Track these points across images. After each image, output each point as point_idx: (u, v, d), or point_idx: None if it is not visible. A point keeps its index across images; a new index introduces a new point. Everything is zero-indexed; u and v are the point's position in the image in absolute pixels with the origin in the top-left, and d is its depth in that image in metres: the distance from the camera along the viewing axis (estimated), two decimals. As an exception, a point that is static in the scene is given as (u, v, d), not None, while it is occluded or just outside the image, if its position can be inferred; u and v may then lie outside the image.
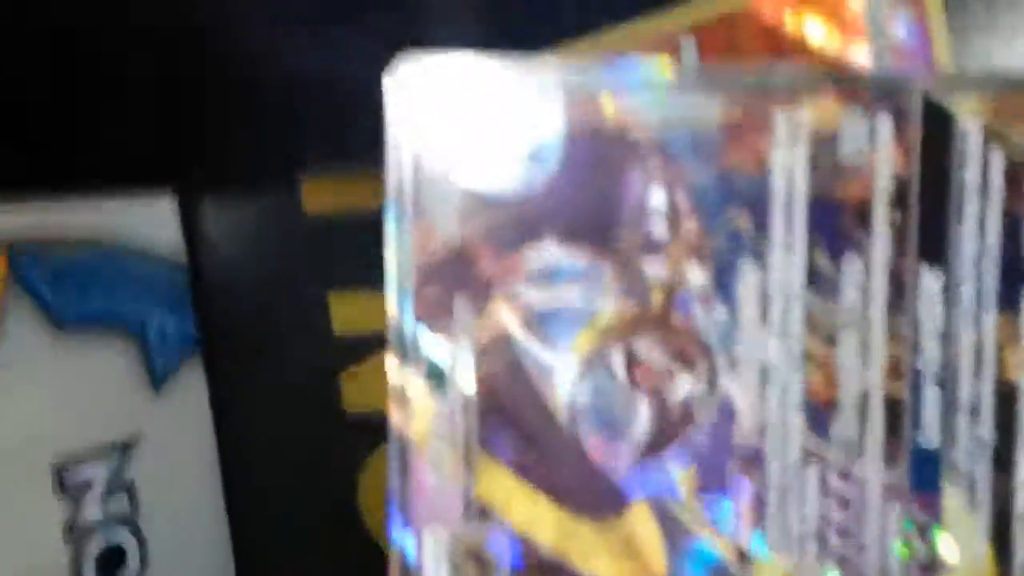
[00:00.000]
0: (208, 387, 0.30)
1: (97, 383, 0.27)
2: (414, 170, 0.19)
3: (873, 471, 0.19)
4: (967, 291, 0.19)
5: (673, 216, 0.19)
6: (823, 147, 0.19)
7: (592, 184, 0.19)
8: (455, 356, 0.19)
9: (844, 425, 0.19)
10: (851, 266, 0.19)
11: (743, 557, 0.19)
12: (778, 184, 0.19)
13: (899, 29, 0.26)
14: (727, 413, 0.19)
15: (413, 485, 0.19)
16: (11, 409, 0.24)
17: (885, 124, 0.19)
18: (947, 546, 0.19)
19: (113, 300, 0.27)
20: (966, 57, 0.30)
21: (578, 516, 0.19)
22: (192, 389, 0.30)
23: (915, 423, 0.19)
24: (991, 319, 0.19)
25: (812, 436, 0.19)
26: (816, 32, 0.26)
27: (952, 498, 0.20)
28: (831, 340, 0.19)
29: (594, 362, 0.19)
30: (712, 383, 0.19)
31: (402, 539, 0.19)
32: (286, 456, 0.30)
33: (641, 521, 0.19)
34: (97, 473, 0.26)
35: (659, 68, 0.19)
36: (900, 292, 0.19)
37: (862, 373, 0.19)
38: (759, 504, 0.19)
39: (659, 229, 0.19)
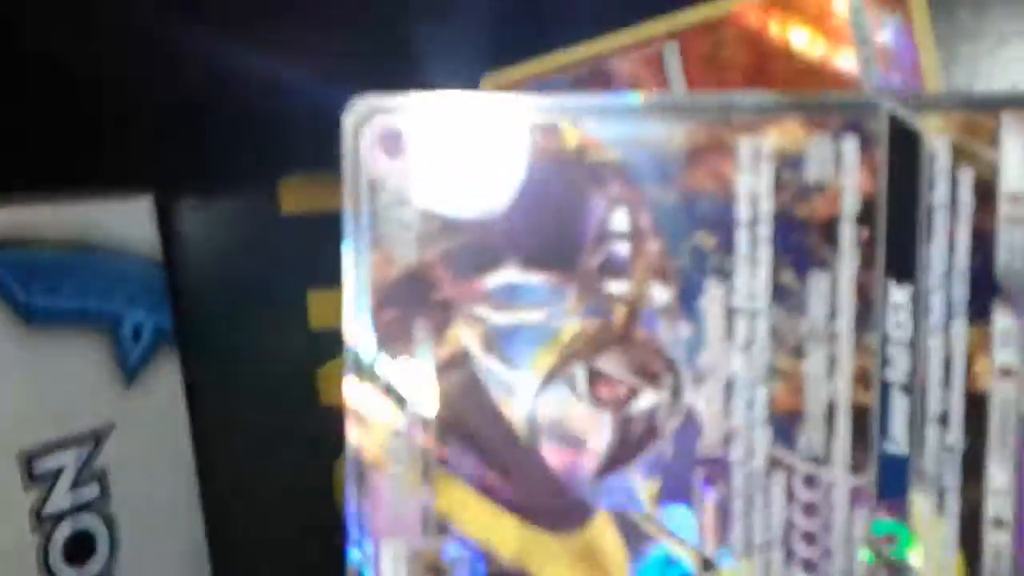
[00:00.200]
0: (184, 382, 0.31)
1: (68, 376, 0.28)
2: (371, 196, 0.19)
3: (840, 478, 0.20)
4: (936, 304, 0.19)
5: (636, 237, 0.19)
6: (788, 169, 0.19)
7: (554, 208, 0.19)
8: (413, 376, 0.20)
9: (810, 434, 0.20)
10: (817, 282, 0.19)
11: (708, 565, 0.20)
12: (742, 205, 0.19)
13: (884, 35, 0.25)
14: (692, 425, 0.20)
15: (371, 500, 0.20)
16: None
17: (851, 146, 0.19)
18: (916, 552, 0.20)
19: (86, 297, 0.28)
20: (953, 64, 0.29)
21: (539, 529, 0.20)
22: (166, 382, 0.31)
23: (883, 431, 0.20)
24: (961, 330, 0.19)
25: (778, 445, 0.20)
26: (800, 38, 0.26)
27: (921, 505, 0.20)
28: (798, 353, 0.20)
29: (555, 378, 0.20)
30: (677, 396, 0.20)
31: (359, 553, 0.20)
32: (262, 449, 0.31)
33: (603, 532, 0.20)
34: (67, 462, 0.27)
35: (622, 97, 0.19)
36: (868, 306, 0.19)
37: (829, 384, 0.20)
38: (724, 512, 0.20)
39: (622, 250, 0.19)
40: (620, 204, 0.19)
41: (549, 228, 0.19)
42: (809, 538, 0.20)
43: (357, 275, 0.19)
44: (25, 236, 0.27)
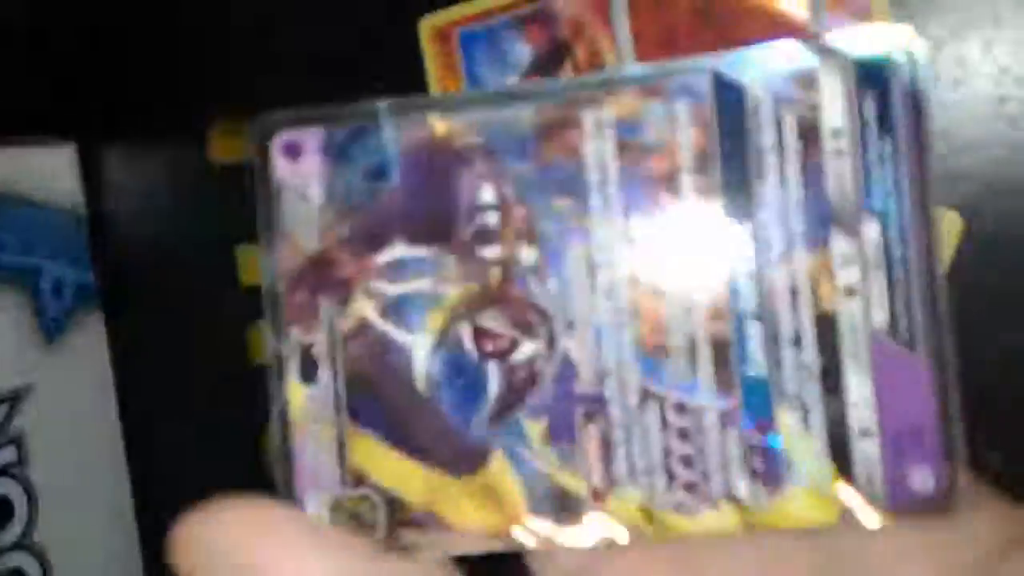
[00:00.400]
0: (109, 339, 0.30)
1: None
2: (277, 197, 0.23)
3: (707, 403, 0.22)
4: (775, 237, 0.21)
5: (503, 207, 0.22)
6: (629, 134, 0.22)
7: (430, 189, 0.22)
8: (323, 347, 0.23)
9: (676, 366, 0.22)
10: (666, 228, 0.22)
11: (597, 494, 0.22)
12: (592, 170, 0.22)
13: None
14: (568, 368, 0.22)
15: (294, 461, 0.22)
16: None
17: (683, 107, 0.22)
18: (788, 464, 0.21)
19: (2, 251, 0.27)
20: (900, 4, 0.31)
21: (443, 473, 0.22)
22: (90, 340, 0.29)
23: (742, 357, 0.21)
24: (802, 258, 0.21)
25: (648, 379, 0.22)
26: None
27: (787, 421, 0.21)
28: (657, 294, 0.22)
29: (446, 338, 0.22)
30: (552, 344, 0.22)
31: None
32: (191, 410, 0.31)
33: (500, 472, 0.22)
34: (-20, 424, 0.26)
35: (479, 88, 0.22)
36: (714, 246, 0.21)
37: (687, 320, 0.22)
38: (606, 444, 0.22)
39: (492, 220, 0.22)
40: (486, 180, 0.22)
41: (428, 207, 0.22)
42: (687, 461, 0.22)
43: (267, 269, 0.23)
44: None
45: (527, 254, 0.22)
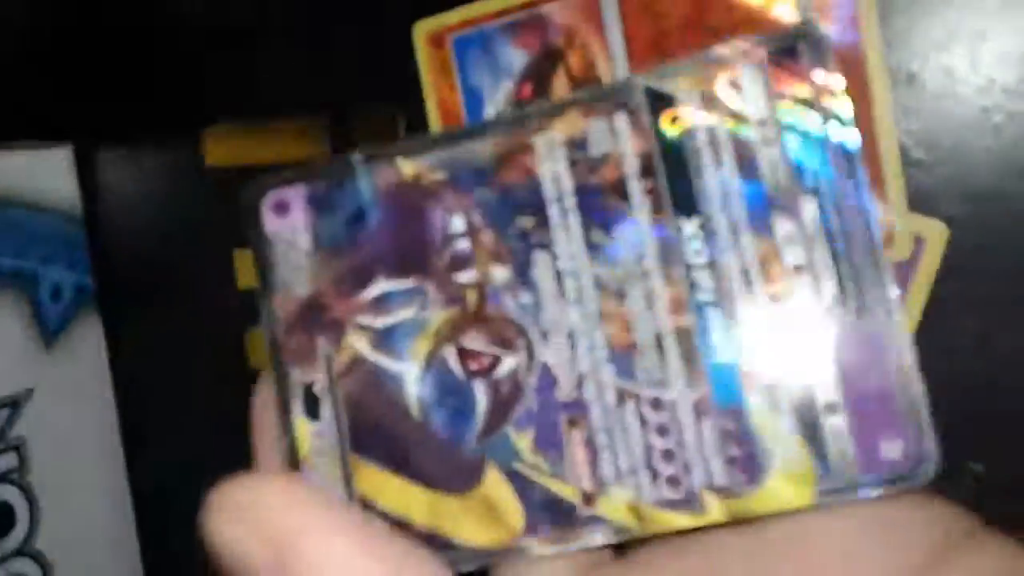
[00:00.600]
0: (107, 342, 0.30)
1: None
2: (270, 250, 0.25)
3: (680, 395, 0.22)
4: (722, 227, 0.22)
5: (472, 234, 0.24)
6: (577, 151, 0.23)
7: (405, 226, 0.24)
8: (323, 384, 0.24)
9: (646, 363, 0.22)
10: (622, 233, 0.23)
11: (588, 498, 0.23)
12: (548, 188, 0.23)
13: None
14: (548, 377, 0.23)
15: (299, 475, 0.24)
16: None
17: (622, 120, 0.23)
18: (763, 448, 0.22)
19: (0, 255, 0.27)
20: (890, 12, 0.31)
21: (443, 493, 0.23)
22: (88, 344, 0.29)
23: (707, 345, 0.22)
24: (749, 243, 0.22)
25: (622, 378, 0.23)
26: None
27: (756, 404, 0.22)
28: (620, 295, 0.23)
29: (433, 362, 0.24)
30: (531, 355, 0.23)
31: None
32: (190, 414, 0.31)
33: (495, 486, 0.23)
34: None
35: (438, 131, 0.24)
36: (667, 243, 0.23)
37: (651, 316, 0.23)
38: (591, 447, 0.23)
39: (463, 246, 0.24)
40: (455, 211, 0.24)
41: (405, 241, 0.24)
42: (668, 455, 0.22)
43: (266, 316, 0.25)
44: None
45: (499, 273, 0.24)
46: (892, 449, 0.21)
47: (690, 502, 0.22)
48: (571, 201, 0.23)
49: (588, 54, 0.29)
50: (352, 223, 0.25)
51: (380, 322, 0.24)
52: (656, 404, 0.22)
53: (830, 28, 0.31)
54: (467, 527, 0.23)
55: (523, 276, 0.24)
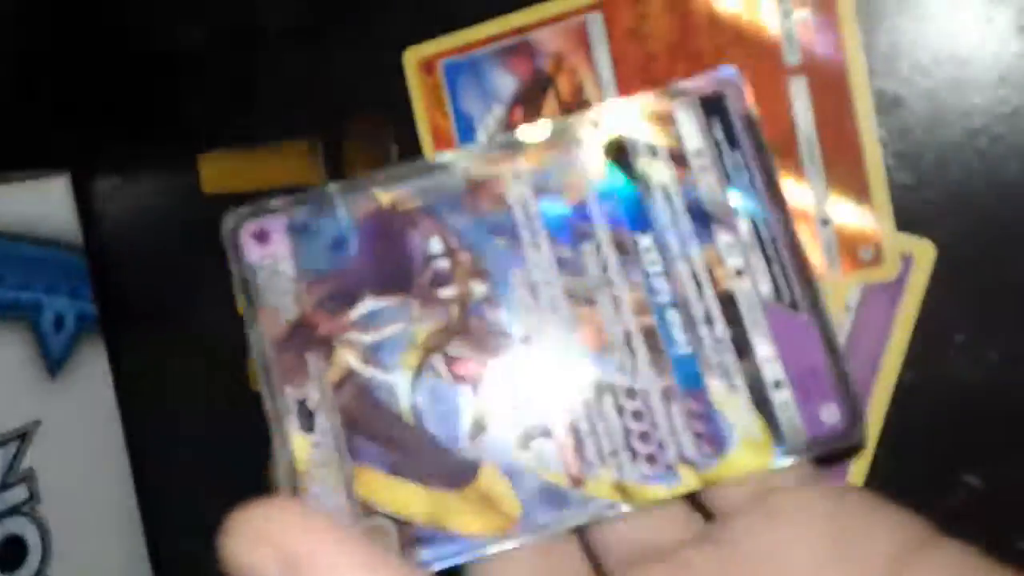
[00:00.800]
0: (111, 370, 0.30)
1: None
2: (253, 276, 0.26)
3: (650, 384, 0.26)
4: (672, 240, 0.26)
5: (451, 253, 0.26)
6: (541, 180, 0.27)
7: (387, 249, 0.26)
8: (316, 398, 0.25)
9: (618, 358, 0.26)
10: (585, 248, 0.26)
11: (576, 481, 0.25)
12: (516, 211, 0.27)
13: (807, 8, 0.30)
14: (531, 378, 0.26)
15: (307, 504, 0.25)
16: None
17: (577, 156, 0.27)
18: (725, 423, 0.26)
19: (1, 287, 0.27)
20: (873, 35, 0.34)
21: (442, 490, 0.25)
22: (93, 372, 0.29)
23: (668, 340, 0.26)
24: (696, 253, 0.26)
25: (599, 373, 0.26)
26: (724, 11, 0.30)
27: (715, 387, 0.26)
28: (590, 302, 0.26)
29: (422, 371, 0.26)
30: (514, 359, 0.26)
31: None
32: (196, 438, 0.31)
33: (491, 479, 0.25)
34: (-8, 465, 0.25)
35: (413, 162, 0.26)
36: (626, 255, 0.26)
37: (618, 318, 0.26)
38: (576, 436, 0.26)
39: (443, 265, 0.26)
40: (432, 234, 0.26)
41: (387, 263, 0.26)
42: (644, 437, 0.26)
43: (255, 338, 0.25)
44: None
45: (478, 288, 0.26)
46: (831, 414, 0.26)
47: (667, 475, 0.26)
48: (538, 222, 0.26)
49: (577, 78, 0.31)
50: (334, 248, 0.26)
51: (369, 337, 0.26)
52: (630, 393, 0.26)
53: (814, 52, 0.32)
54: (467, 519, 0.25)
55: (500, 289, 0.26)
